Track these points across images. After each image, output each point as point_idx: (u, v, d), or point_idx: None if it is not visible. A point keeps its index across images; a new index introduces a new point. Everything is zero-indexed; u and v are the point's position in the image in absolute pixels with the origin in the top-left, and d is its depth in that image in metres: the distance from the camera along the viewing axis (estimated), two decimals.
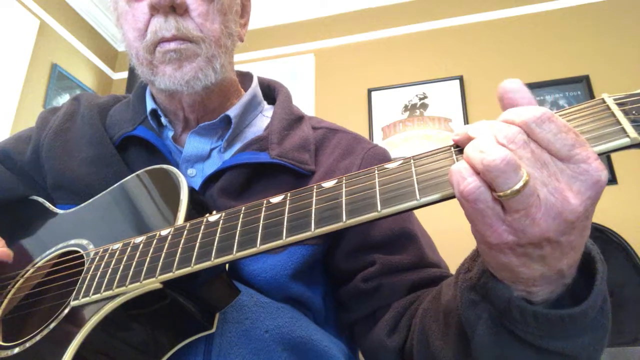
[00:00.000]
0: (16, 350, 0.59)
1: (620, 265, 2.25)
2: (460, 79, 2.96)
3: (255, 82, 0.89)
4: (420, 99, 3.02)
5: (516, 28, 3.00)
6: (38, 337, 0.58)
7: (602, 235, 2.32)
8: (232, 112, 0.80)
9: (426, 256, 0.73)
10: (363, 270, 0.72)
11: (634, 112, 0.39)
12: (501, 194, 0.36)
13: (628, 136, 0.38)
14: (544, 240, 0.38)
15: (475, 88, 2.91)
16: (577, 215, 0.38)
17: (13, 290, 0.69)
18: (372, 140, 2.98)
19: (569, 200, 0.37)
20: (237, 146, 0.79)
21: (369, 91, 3.12)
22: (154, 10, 0.71)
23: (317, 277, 0.75)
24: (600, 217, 2.34)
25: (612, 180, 2.54)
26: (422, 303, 0.65)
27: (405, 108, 3.03)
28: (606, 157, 2.58)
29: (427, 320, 0.61)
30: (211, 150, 0.79)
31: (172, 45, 0.71)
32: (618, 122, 0.39)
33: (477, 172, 0.37)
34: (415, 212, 0.86)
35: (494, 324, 0.48)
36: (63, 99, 3.12)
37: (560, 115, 0.41)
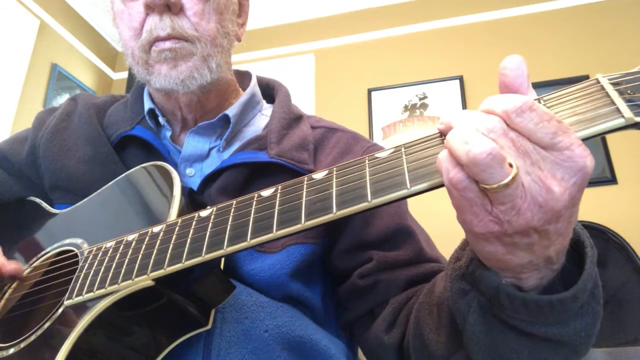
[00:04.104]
0: (11, 350, 0.59)
1: (620, 265, 2.25)
2: (460, 79, 2.96)
3: (254, 81, 0.89)
4: (420, 99, 3.02)
5: (516, 28, 3.00)
6: (33, 338, 0.58)
7: (602, 235, 2.32)
8: (231, 111, 0.80)
9: (424, 252, 0.73)
10: (360, 267, 0.72)
11: (629, 91, 0.38)
12: (487, 187, 0.36)
13: (622, 116, 0.37)
14: (531, 229, 0.38)
15: (475, 88, 2.91)
16: (562, 204, 0.37)
17: (10, 291, 0.69)
18: (372, 140, 2.97)
19: (551, 189, 0.36)
20: (236, 145, 0.79)
21: (369, 91, 3.12)
22: (149, 9, 0.71)
23: (316, 277, 0.75)
24: (600, 217, 2.35)
25: (612, 180, 2.54)
26: (419, 297, 0.65)
27: (405, 108, 3.02)
28: (606, 156, 2.58)
29: (421, 314, 0.61)
30: (210, 149, 0.79)
31: (167, 44, 0.71)
32: (612, 103, 0.38)
33: (461, 164, 0.37)
34: (415, 207, 0.86)
35: (484, 313, 0.47)
36: (63, 99, 3.12)
37: (554, 97, 0.41)
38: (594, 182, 2.55)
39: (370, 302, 0.71)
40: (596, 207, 2.46)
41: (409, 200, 0.58)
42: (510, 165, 0.36)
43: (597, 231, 2.35)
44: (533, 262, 0.41)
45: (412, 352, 0.62)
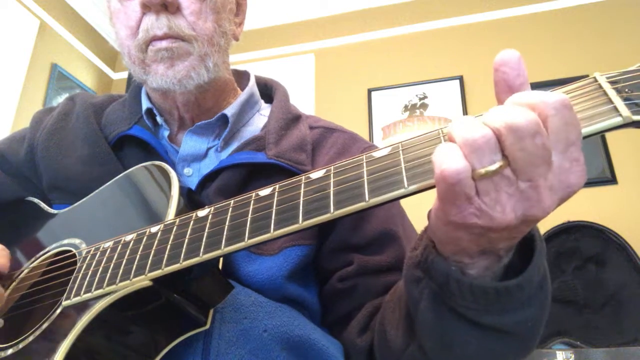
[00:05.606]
0: (9, 351, 0.58)
1: (620, 265, 2.25)
2: (460, 79, 2.96)
3: (252, 81, 0.89)
4: (420, 99, 3.02)
5: (516, 28, 3.00)
6: (31, 338, 0.58)
7: (602, 235, 2.32)
8: (229, 111, 0.79)
9: None
10: (340, 270, 0.72)
11: (626, 89, 0.38)
12: (475, 171, 0.36)
13: (620, 115, 0.37)
14: (505, 228, 0.38)
15: (475, 88, 2.91)
16: (545, 214, 0.38)
17: (9, 291, 0.69)
18: (372, 140, 2.97)
19: (543, 200, 0.37)
20: (234, 145, 0.79)
21: (369, 91, 3.12)
22: (146, 8, 0.71)
23: (312, 277, 0.75)
24: (600, 217, 2.35)
25: (612, 180, 2.54)
26: (386, 297, 0.65)
27: (405, 108, 3.02)
28: (606, 156, 2.58)
29: (386, 313, 0.61)
30: (208, 149, 0.79)
31: (164, 43, 0.70)
32: (610, 101, 0.38)
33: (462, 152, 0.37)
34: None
35: (435, 300, 0.48)
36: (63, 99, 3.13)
37: None
38: (594, 182, 2.54)
39: (347, 306, 0.71)
40: (596, 207, 2.45)
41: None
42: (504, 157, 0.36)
43: (597, 231, 2.34)
44: (484, 249, 0.42)
45: (376, 350, 0.62)
